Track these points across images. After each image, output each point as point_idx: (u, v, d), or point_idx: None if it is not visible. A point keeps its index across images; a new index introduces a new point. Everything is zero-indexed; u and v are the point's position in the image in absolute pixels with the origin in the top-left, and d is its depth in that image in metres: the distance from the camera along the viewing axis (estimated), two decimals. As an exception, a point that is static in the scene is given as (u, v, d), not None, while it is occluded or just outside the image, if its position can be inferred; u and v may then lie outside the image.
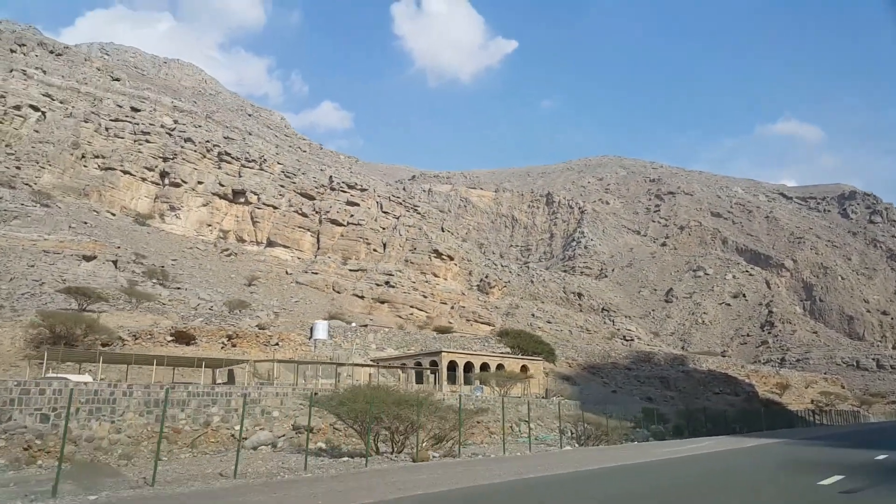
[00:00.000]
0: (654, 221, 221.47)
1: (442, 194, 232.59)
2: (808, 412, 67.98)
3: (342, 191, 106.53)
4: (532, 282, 75.05)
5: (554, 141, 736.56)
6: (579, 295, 76.09)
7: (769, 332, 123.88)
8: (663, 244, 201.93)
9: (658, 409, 51.91)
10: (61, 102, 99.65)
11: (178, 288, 67.62)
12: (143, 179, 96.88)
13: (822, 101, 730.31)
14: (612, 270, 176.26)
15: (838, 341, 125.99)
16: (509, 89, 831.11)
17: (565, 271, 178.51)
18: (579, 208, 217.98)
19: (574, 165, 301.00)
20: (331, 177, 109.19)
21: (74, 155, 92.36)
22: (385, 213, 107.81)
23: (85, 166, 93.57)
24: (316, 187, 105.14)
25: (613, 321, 64.73)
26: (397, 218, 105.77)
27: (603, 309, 76.44)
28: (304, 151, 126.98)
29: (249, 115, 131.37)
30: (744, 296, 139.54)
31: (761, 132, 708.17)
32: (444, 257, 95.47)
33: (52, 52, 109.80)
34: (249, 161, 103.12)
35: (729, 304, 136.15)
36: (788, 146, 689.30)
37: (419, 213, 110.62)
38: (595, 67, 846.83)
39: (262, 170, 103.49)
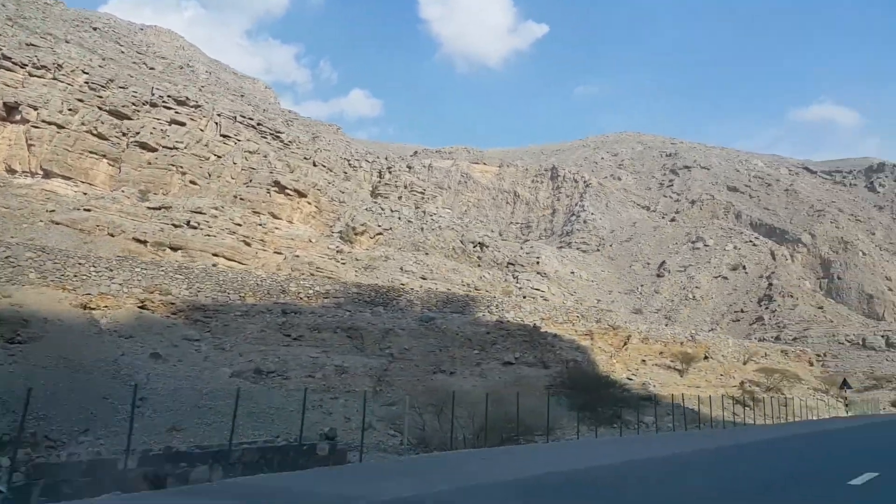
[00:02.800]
0: (665, 196, 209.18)
1: (442, 170, 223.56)
2: (730, 401, 46.74)
3: (166, 107, 79.33)
4: (422, 230, 64.81)
5: (581, 121, 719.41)
6: (481, 246, 65.15)
7: (766, 308, 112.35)
8: (672, 219, 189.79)
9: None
10: None
11: None
12: None
13: (860, 84, 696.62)
14: (610, 245, 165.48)
15: (848, 318, 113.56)
16: (541, 74, 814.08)
17: (561, 246, 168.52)
18: (584, 182, 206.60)
19: (590, 142, 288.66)
20: (153, 88, 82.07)
21: None
22: (224, 137, 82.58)
23: None
24: (133, 103, 77.54)
25: (517, 277, 54.75)
26: (238, 142, 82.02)
27: (509, 263, 66.33)
28: (154, 69, 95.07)
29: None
30: (744, 268, 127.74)
31: (794, 116, 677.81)
32: (289, 193, 72.67)
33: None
34: (38, 68, 74.50)
35: (726, 278, 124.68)
36: (823, 131, 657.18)
37: (281, 141, 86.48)
38: (629, 52, 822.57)
39: (55, 79, 74.70)
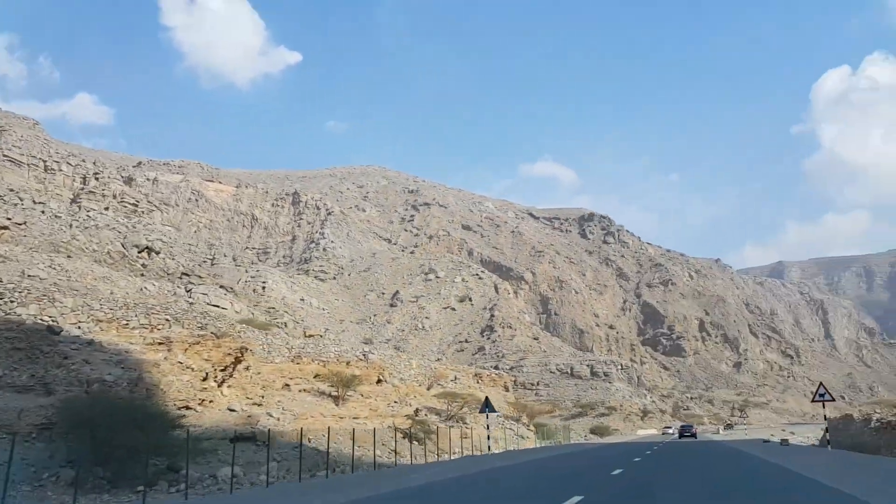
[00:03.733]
0: (406, 230, 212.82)
1: (171, 185, 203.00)
2: (395, 434, 33.59)
3: None
4: (71, 226, 53.91)
5: (329, 152, 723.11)
6: (149, 251, 55.71)
7: (488, 338, 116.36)
8: (412, 252, 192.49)
9: None
10: None
11: None
12: None
13: (576, 148, 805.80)
14: (349, 274, 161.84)
15: (560, 349, 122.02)
16: (292, 101, 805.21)
17: (300, 273, 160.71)
18: (327, 210, 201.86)
19: (337, 172, 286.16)
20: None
21: None
22: None
23: None
24: None
25: (189, 291, 46.96)
26: None
27: (184, 274, 58.07)
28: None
29: None
30: (470, 300, 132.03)
31: (523, 170, 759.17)
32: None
33: None
34: None
35: (454, 309, 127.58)
36: (546, 185, 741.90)
37: None
38: (382, 92, 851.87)
39: None
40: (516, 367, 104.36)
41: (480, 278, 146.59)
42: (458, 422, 44.22)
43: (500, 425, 50.66)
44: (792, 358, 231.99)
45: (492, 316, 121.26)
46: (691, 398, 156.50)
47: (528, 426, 59.24)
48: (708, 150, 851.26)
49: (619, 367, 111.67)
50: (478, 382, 62.27)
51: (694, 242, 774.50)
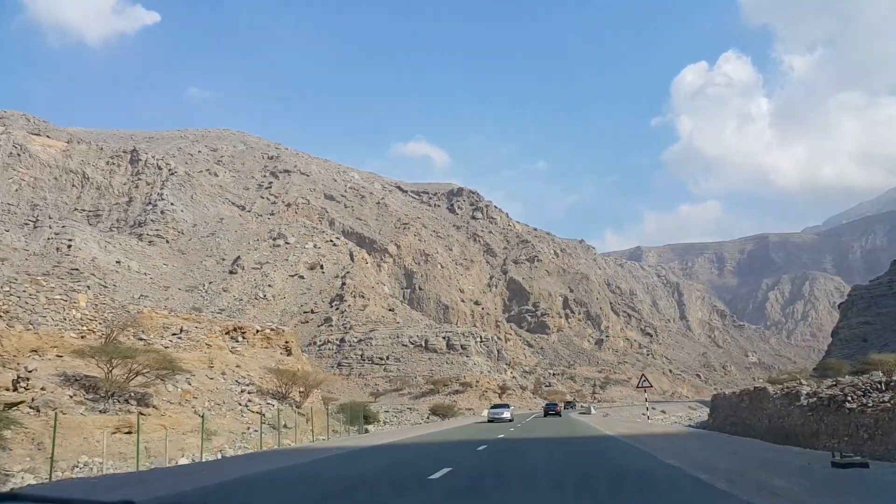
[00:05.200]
0: (262, 197, 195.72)
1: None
2: None
3: None
4: None
5: (189, 117, 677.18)
6: None
7: (337, 308, 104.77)
8: (267, 218, 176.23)
9: None
10: None
11: None
12: None
13: (449, 131, 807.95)
14: (190, 239, 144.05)
15: (417, 321, 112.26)
16: (148, 64, 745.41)
17: (132, 236, 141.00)
18: (170, 170, 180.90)
19: (189, 134, 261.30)
20: None
21: None
22: None
23: None
24: None
25: None
26: None
27: None
28: None
29: None
30: (321, 267, 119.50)
31: (396, 149, 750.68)
32: None
33: None
34: None
35: (302, 277, 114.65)
36: (420, 165, 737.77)
37: None
38: (245, 59, 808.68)
39: None
40: (365, 339, 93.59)
41: (335, 245, 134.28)
42: (130, 401, 23.77)
43: (241, 408, 29.81)
44: (651, 336, 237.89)
45: (343, 284, 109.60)
46: (554, 374, 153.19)
47: (298, 408, 34.81)
48: (574, 140, 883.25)
49: (479, 339, 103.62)
50: (234, 340, 37.68)
51: (558, 227, 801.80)
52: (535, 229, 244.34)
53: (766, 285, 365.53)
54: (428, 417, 61.27)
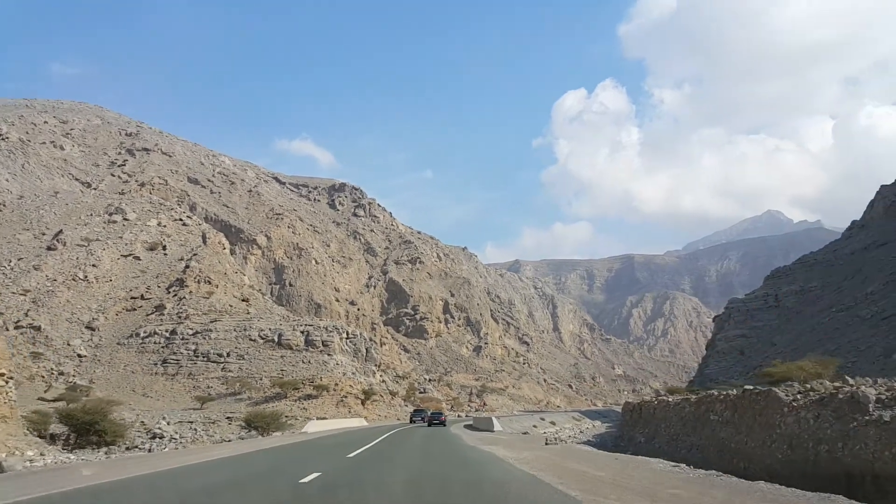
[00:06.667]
0: (113, 175, 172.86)
1: None
2: None
3: None
4: None
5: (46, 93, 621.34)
6: None
7: (175, 295, 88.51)
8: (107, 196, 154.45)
9: None
10: None
11: None
12: None
13: (338, 134, 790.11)
14: (13, 212, 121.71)
15: (272, 312, 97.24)
16: (6, 32, 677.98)
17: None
18: (1, 136, 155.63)
19: (37, 104, 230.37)
20: None
21: None
22: None
23: None
24: None
25: None
26: None
27: None
28: None
29: None
30: (164, 248, 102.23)
31: (280, 146, 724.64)
32: None
33: None
34: None
35: (138, 258, 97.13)
36: (305, 164, 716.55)
37: None
38: (121, 35, 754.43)
39: None
40: (202, 332, 78.18)
41: (185, 224, 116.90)
42: None
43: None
44: (528, 345, 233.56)
45: (187, 267, 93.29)
46: (430, 380, 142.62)
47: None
48: (460, 154, 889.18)
49: (346, 334, 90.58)
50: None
51: (442, 236, 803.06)
52: (419, 232, 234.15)
53: (630, 302, 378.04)
54: (248, 431, 46.64)
